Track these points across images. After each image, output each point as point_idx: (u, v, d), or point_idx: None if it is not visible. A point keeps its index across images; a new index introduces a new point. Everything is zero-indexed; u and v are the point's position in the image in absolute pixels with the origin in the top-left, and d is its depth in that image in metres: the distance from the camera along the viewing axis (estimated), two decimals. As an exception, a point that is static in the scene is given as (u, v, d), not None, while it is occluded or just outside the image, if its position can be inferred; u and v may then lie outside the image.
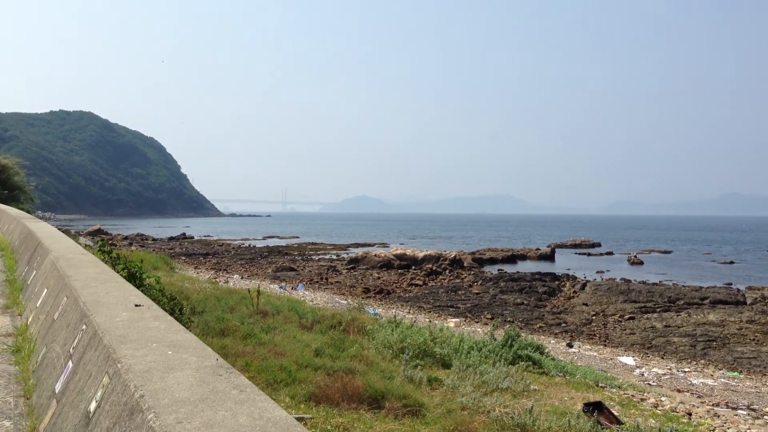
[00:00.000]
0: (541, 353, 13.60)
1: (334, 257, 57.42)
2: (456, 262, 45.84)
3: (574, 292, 34.36)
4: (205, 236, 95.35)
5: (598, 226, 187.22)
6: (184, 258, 51.59)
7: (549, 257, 58.03)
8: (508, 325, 18.49)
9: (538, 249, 63.62)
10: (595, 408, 9.04)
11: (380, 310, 25.09)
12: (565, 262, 54.36)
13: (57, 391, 4.02)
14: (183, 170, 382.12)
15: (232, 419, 2.27)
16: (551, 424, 8.32)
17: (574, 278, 40.09)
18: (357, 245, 75.72)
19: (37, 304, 6.82)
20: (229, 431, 2.16)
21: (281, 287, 31.51)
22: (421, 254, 47.07)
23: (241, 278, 35.85)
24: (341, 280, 39.29)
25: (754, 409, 13.05)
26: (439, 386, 10.11)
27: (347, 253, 59.94)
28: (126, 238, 76.47)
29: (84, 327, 4.19)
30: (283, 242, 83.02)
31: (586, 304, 30.88)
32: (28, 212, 32.42)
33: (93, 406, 3.10)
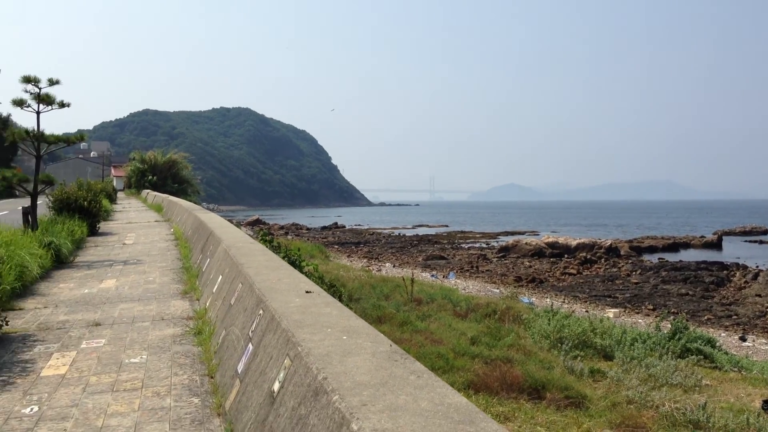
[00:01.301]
0: (713, 347, 12.76)
1: (484, 245, 57.01)
2: (612, 251, 44.05)
3: (746, 282, 31.94)
4: (356, 225, 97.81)
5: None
6: (336, 247, 53.23)
7: (715, 245, 54.33)
8: (673, 317, 17.52)
9: (702, 237, 59.72)
10: (778, 406, 8.37)
11: (533, 299, 24.62)
12: (733, 251, 50.66)
13: (239, 371, 4.28)
14: (333, 161, 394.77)
15: (414, 403, 2.30)
16: (727, 421, 7.80)
17: (745, 267, 37.24)
18: (506, 233, 74.72)
19: (213, 290, 7.30)
20: (412, 415, 2.19)
21: (433, 275, 31.76)
22: (574, 242, 45.67)
23: (393, 266, 36.48)
24: (492, 268, 38.92)
25: None
26: (602, 378, 9.78)
27: (497, 242, 59.33)
28: (282, 227, 79.96)
29: (261, 312, 4.42)
30: (432, 231, 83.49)
31: (759, 296, 28.62)
32: (195, 204, 34.75)
33: (276, 386, 3.26)
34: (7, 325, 6.98)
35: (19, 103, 12.88)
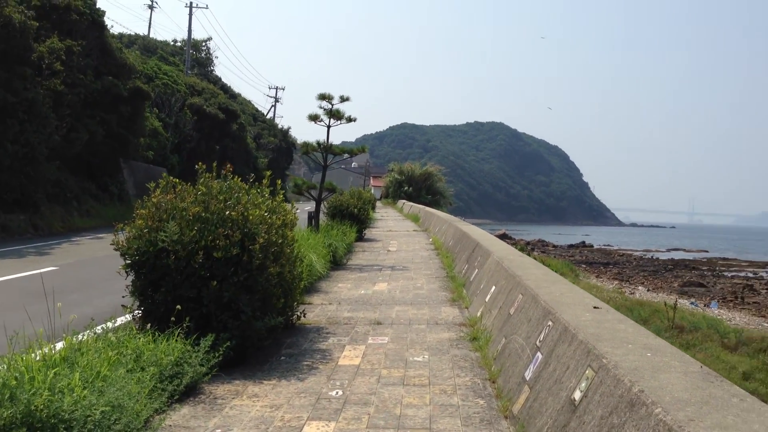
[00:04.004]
0: None
1: (751, 275, 51.77)
2: None
3: None
4: (604, 245, 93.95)
5: None
6: (584, 266, 51.64)
7: None
8: None
9: None
10: None
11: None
12: None
13: (528, 378, 4.51)
14: (584, 178, 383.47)
15: (744, 425, 2.34)
16: None
17: None
18: (779, 263, 67.06)
19: (486, 299, 7.64)
20: (744, 435, 2.23)
21: (692, 303, 29.61)
22: None
23: (647, 290, 34.62)
24: (760, 300, 35.21)
25: None
26: None
27: (766, 272, 53.58)
28: (528, 243, 79.30)
29: (550, 323, 4.61)
30: (689, 255, 77.59)
31: None
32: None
33: (578, 395, 3.43)
34: (304, 317, 7.93)
35: (314, 117, 14.45)
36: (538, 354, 4.53)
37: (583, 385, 3.41)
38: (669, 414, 2.46)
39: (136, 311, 6.10)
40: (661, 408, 2.52)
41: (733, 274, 52.71)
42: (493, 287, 7.55)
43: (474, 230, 14.01)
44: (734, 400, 2.64)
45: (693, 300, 31.68)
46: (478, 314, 7.62)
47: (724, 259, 72.22)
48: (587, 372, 3.45)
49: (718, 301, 32.47)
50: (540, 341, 4.65)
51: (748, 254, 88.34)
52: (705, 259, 69.67)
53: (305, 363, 6.20)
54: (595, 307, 4.76)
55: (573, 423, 3.31)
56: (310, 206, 16.11)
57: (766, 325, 23.87)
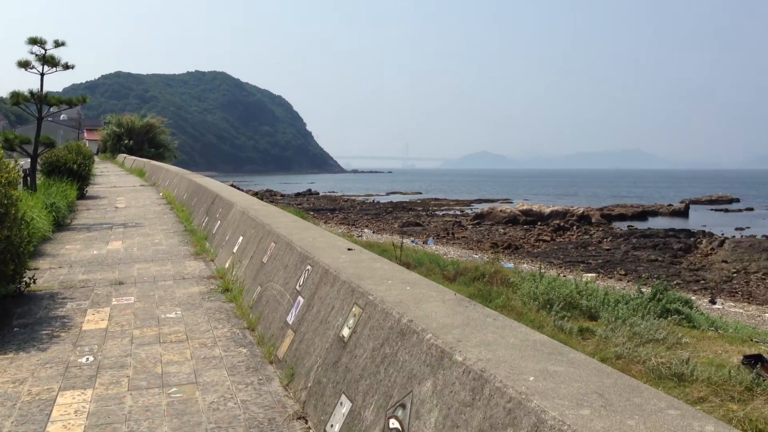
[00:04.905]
0: (690, 308, 13.43)
1: (458, 213, 57.70)
2: (584, 218, 44.98)
3: (712, 249, 32.98)
4: (329, 192, 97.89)
5: (738, 182, 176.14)
6: (312, 213, 53.42)
7: (683, 213, 55.66)
8: (655, 281, 18.22)
9: (670, 205, 61.04)
10: (756, 360, 8.97)
11: (511, 264, 25.26)
12: (700, 219, 51.98)
13: (291, 322, 4.63)
14: (308, 127, 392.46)
15: (503, 340, 2.68)
16: (710, 374, 8.37)
17: (711, 235, 38.40)
18: (480, 201, 75.58)
19: (234, 250, 7.61)
20: (505, 348, 2.56)
21: (413, 241, 32.26)
22: (547, 210, 46.50)
23: (372, 233, 36.93)
24: (467, 235, 39.55)
25: None
26: (591, 336, 10.32)
27: (471, 209, 60.09)
28: (256, 193, 79.65)
29: (309, 267, 4.76)
30: (406, 198, 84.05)
31: (725, 261, 29.65)
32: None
33: (346, 331, 3.62)
34: (35, 283, 7.23)
35: (24, 64, 12.83)
36: (300, 298, 4.67)
37: (351, 321, 3.61)
38: (439, 338, 2.72)
39: None
40: (431, 333, 2.79)
41: (444, 212, 58.33)
42: (241, 237, 7.55)
43: (211, 182, 13.74)
44: (489, 320, 3.00)
45: (413, 238, 34.52)
46: (227, 265, 7.58)
47: (436, 199, 79.52)
48: (354, 309, 3.65)
49: (434, 238, 35.78)
50: (300, 285, 4.80)
51: (456, 194, 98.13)
52: (419, 201, 76.03)
53: (44, 332, 5.68)
54: (349, 249, 5.01)
55: (345, 358, 3.50)
56: (23, 162, 14.50)
57: (475, 256, 26.92)
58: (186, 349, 5.12)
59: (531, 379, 2.20)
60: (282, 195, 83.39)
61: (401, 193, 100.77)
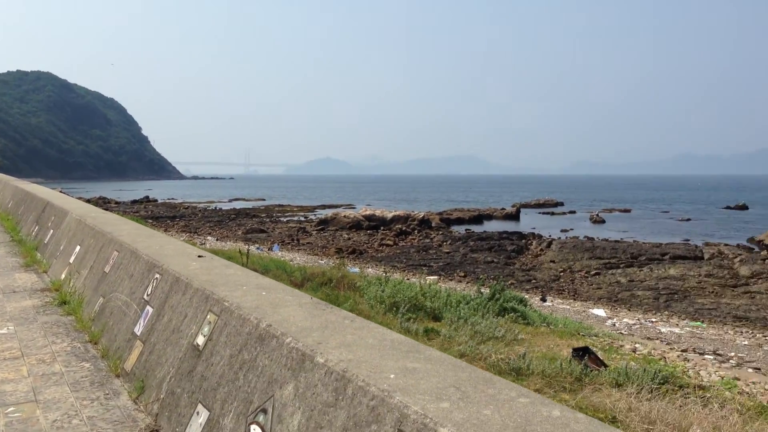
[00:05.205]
0: (525, 306, 14.31)
1: (302, 219, 57.73)
2: (424, 222, 46.53)
3: (541, 250, 35.30)
4: (169, 199, 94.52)
5: (561, 186, 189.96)
6: (151, 221, 51.22)
7: (514, 217, 59.15)
8: (494, 282, 19.19)
9: (503, 209, 64.63)
10: (583, 353, 9.74)
11: (356, 269, 25.64)
12: (530, 221, 55.52)
13: (139, 333, 4.45)
14: (144, 132, 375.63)
15: (362, 340, 2.75)
16: (544, 367, 8.99)
17: (540, 237, 41.15)
18: (324, 207, 76.06)
19: (71, 261, 7.16)
20: (365, 348, 2.64)
21: (258, 248, 31.85)
22: (389, 215, 47.62)
23: (216, 240, 36.06)
24: (312, 241, 39.66)
25: (719, 354, 14.00)
26: (436, 336, 10.72)
27: (315, 215, 60.32)
28: (88, 201, 75.34)
29: (158, 276, 4.60)
30: (249, 204, 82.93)
31: (553, 261, 31.85)
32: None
33: (201, 339, 3.55)
34: None
35: None
36: (148, 308, 4.51)
37: (206, 329, 3.54)
38: (300, 341, 2.75)
39: None
40: (291, 337, 2.81)
41: (288, 218, 58.09)
42: (78, 247, 7.13)
43: (40, 189, 12.83)
44: (347, 321, 3.07)
45: (258, 245, 34.08)
46: (63, 277, 7.13)
47: (280, 205, 79.04)
48: (209, 317, 3.59)
49: (280, 244, 35.55)
50: (148, 295, 4.62)
51: (299, 200, 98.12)
52: (263, 207, 75.26)
53: None
54: (199, 256, 4.90)
55: (200, 367, 3.43)
56: None
57: (321, 262, 27.06)
58: (22, 366, 4.77)
59: (392, 376, 2.28)
60: (117, 202, 79.33)
61: (244, 199, 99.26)
